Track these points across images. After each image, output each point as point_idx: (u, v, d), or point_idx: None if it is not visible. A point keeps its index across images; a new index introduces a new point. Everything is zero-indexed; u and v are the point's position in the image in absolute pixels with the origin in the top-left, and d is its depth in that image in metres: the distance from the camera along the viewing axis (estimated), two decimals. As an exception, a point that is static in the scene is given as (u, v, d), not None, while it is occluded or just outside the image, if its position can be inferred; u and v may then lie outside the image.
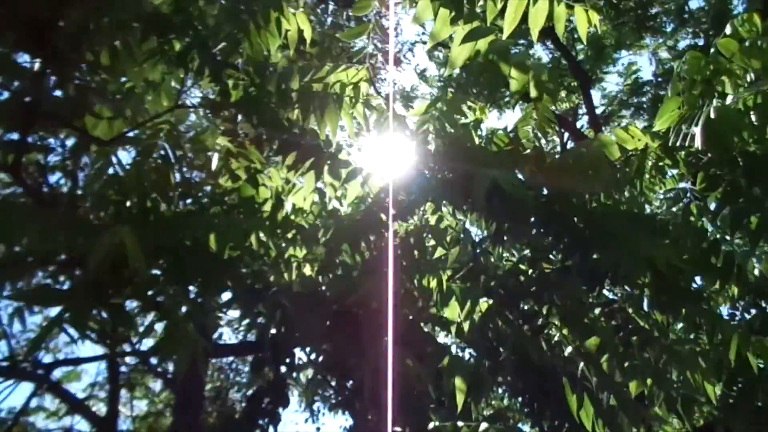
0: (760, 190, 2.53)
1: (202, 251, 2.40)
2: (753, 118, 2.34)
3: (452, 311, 2.62)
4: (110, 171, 2.39)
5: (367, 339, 2.01)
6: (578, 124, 8.95)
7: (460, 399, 2.34)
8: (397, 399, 2.04)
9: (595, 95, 9.45)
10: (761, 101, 2.32)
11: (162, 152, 2.42)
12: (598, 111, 9.05)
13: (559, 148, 8.97)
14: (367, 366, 2.02)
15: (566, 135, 8.82)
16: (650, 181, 2.83)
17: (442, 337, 3.14)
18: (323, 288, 2.43)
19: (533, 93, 2.16)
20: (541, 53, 8.24)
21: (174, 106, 2.55)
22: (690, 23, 7.32)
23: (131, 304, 2.65)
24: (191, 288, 2.65)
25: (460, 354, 3.42)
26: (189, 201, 2.70)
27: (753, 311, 4.86)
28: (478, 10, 2.26)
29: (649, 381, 2.66)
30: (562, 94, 8.70)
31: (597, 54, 7.89)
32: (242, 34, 2.23)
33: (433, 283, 2.39)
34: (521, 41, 7.49)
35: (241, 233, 2.46)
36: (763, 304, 4.83)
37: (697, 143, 2.32)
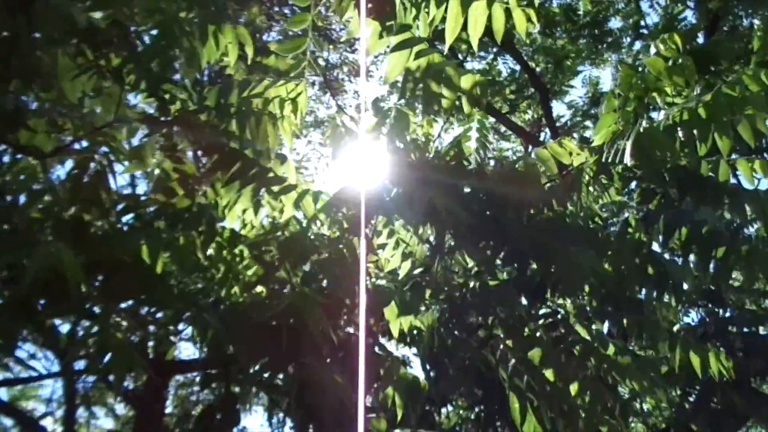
0: (691, 202, 2.61)
1: (140, 267, 2.37)
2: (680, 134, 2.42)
3: (394, 325, 2.64)
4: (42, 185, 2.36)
5: (294, 353, 2.02)
6: (542, 136, 9.12)
7: (399, 408, 2.37)
8: (330, 410, 2.05)
9: (561, 107, 9.65)
10: (687, 117, 2.40)
11: (98, 166, 2.39)
12: (564, 121, 9.23)
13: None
14: (294, 379, 2.03)
15: (530, 148, 8.96)
16: (590, 195, 2.89)
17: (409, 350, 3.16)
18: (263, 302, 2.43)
19: (465, 108, 2.20)
20: (501, 67, 8.40)
21: (113, 120, 2.53)
22: (646, 37, 7.54)
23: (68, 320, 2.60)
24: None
25: (412, 365, 3.44)
26: (131, 215, 2.67)
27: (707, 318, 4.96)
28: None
29: (587, 390, 2.70)
30: (523, 105, 8.86)
31: (556, 67, 8.07)
32: (177, 49, 2.24)
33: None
34: (482, 53, 7.63)
35: (181, 249, 2.44)
36: (716, 310, 4.94)
37: (626, 159, 2.40)
